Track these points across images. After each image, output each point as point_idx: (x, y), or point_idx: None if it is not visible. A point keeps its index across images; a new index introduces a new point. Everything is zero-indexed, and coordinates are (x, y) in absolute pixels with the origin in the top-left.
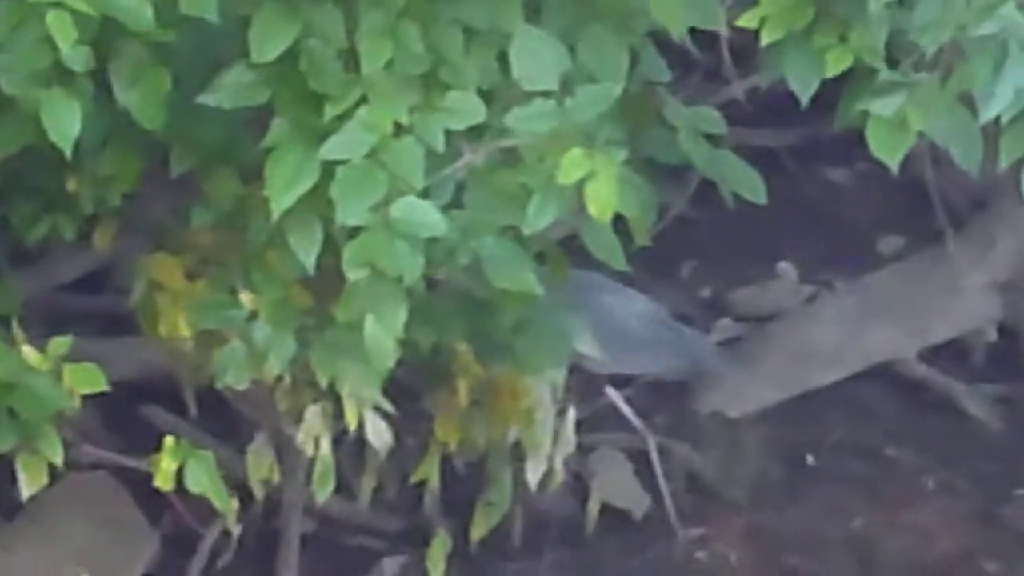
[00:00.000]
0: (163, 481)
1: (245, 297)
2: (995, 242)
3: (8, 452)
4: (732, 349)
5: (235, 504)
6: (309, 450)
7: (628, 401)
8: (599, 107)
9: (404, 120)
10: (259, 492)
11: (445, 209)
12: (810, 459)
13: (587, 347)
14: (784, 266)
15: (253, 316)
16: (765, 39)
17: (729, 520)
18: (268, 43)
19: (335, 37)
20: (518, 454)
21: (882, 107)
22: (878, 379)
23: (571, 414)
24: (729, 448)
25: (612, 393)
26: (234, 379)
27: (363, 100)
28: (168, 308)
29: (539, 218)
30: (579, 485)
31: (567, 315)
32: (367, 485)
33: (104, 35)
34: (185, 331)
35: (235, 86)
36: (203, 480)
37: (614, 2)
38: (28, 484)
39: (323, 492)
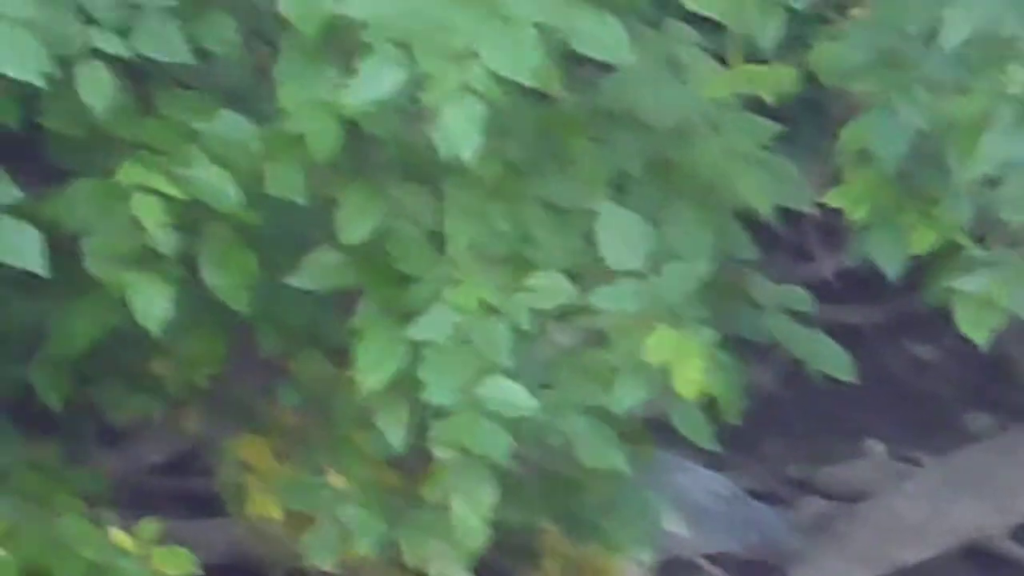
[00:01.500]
0: None
1: (333, 477)
2: None
3: None
4: (820, 527)
5: None
6: None
7: None
8: (686, 286)
9: (491, 300)
10: None
11: (533, 388)
12: None
13: (674, 526)
14: (872, 443)
15: (341, 496)
16: (851, 217)
17: None
18: (355, 225)
19: (421, 217)
20: None
21: (969, 284)
22: (967, 557)
23: None
24: None
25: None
26: (323, 560)
27: (450, 280)
28: (256, 489)
29: (627, 398)
30: None
31: (655, 494)
32: None
33: (191, 217)
34: (274, 512)
35: (322, 268)
36: None
37: (700, 180)
38: None
39: None
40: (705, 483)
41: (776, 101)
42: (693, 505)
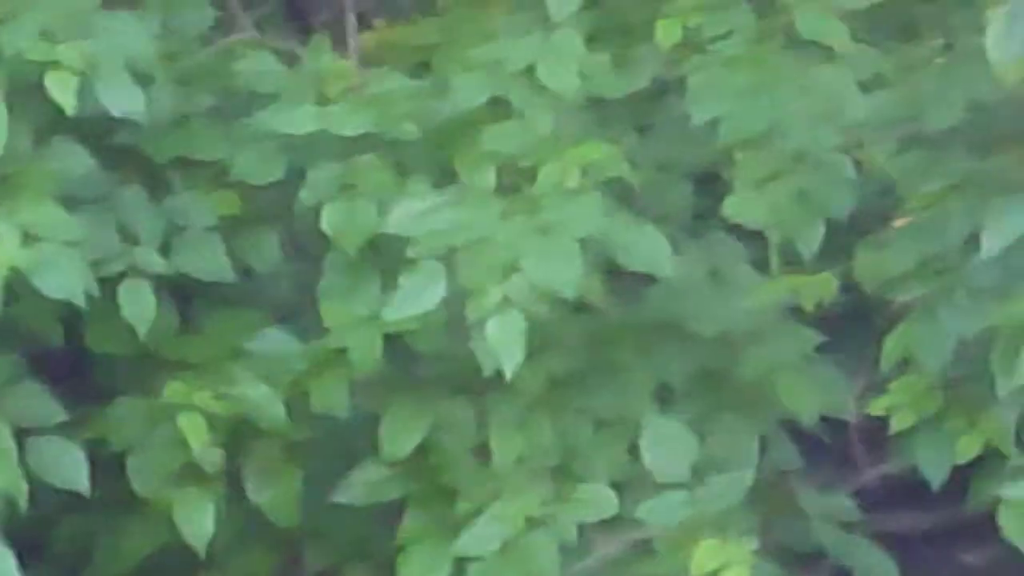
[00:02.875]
0: None
1: None
2: None
3: None
4: None
5: None
6: None
7: None
8: (731, 497)
9: (537, 513)
10: None
11: None
12: None
13: None
14: None
15: None
16: (896, 425)
17: None
18: (399, 439)
19: (466, 431)
20: None
21: (1014, 492)
22: None
23: None
24: None
25: None
26: None
27: (495, 494)
28: None
29: None
30: None
31: None
32: None
33: (236, 434)
34: None
35: (368, 483)
36: None
37: (744, 389)
38: None
39: None
40: None
41: (818, 310)
42: None
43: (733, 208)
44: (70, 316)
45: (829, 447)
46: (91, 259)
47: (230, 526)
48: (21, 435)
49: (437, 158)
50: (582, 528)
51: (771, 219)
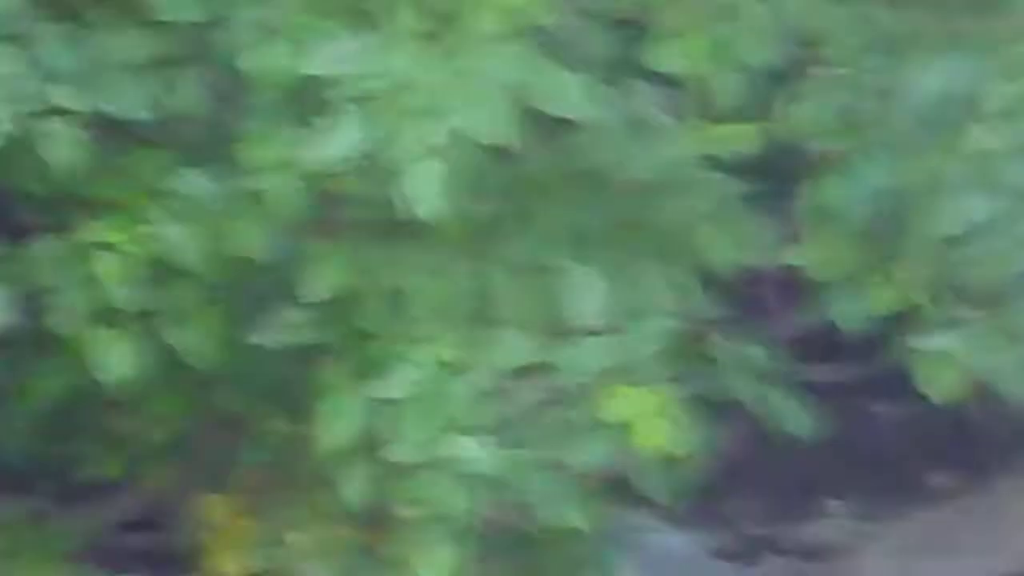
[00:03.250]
0: None
1: (293, 535)
2: None
3: None
4: None
5: None
6: None
7: None
8: (649, 345)
9: (453, 359)
10: None
11: (494, 447)
12: None
13: None
14: (833, 503)
15: (301, 554)
16: (814, 276)
17: None
18: (317, 283)
19: (384, 276)
20: None
21: (929, 344)
22: None
23: None
24: None
25: None
26: None
27: (412, 339)
28: (218, 547)
29: (588, 456)
30: None
31: (616, 553)
32: None
33: (154, 275)
34: (234, 569)
35: (285, 326)
36: None
37: (662, 239)
38: None
39: None
40: (670, 542)
41: (737, 160)
42: (653, 564)
43: (654, 57)
44: None
45: (746, 298)
46: (9, 97)
47: (148, 368)
48: None
49: (357, 1)
50: (498, 374)
51: (691, 69)
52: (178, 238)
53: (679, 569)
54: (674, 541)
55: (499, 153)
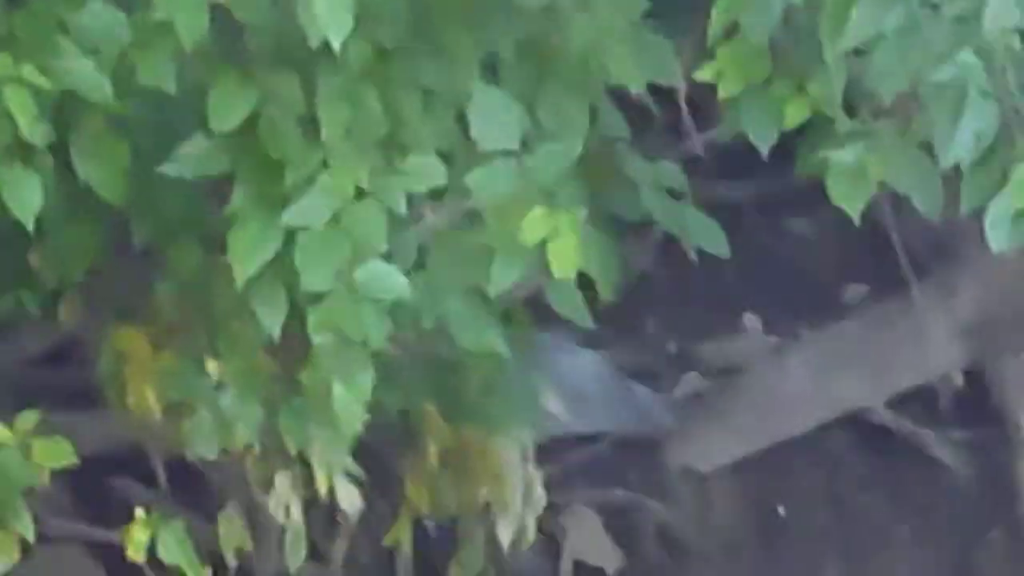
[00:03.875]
0: (136, 552)
1: (211, 366)
2: (958, 288)
3: None
4: (699, 403)
5: (208, 573)
6: (280, 517)
7: (599, 457)
8: (559, 165)
9: (365, 184)
10: (232, 560)
11: (409, 272)
12: (781, 510)
13: (554, 406)
14: (749, 318)
15: (220, 385)
16: (722, 92)
17: (702, 574)
18: (226, 112)
19: (293, 103)
20: (489, 514)
21: (842, 156)
22: (846, 428)
23: (540, 473)
24: (700, 502)
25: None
26: (203, 449)
27: (323, 165)
28: (135, 379)
29: (503, 278)
30: (551, 543)
31: (534, 374)
32: (340, 550)
33: (63, 108)
34: (153, 402)
35: (195, 156)
36: (176, 550)
37: (571, 59)
38: None
39: (296, 559)
40: (582, 363)
41: None
42: (570, 385)
43: None
44: None
45: (657, 116)
46: None
47: (58, 202)
48: None
49: None
50: (411, 198)
51: None
52: (87, 71)
53: (596, 390)
54: (590, 362)
55: None
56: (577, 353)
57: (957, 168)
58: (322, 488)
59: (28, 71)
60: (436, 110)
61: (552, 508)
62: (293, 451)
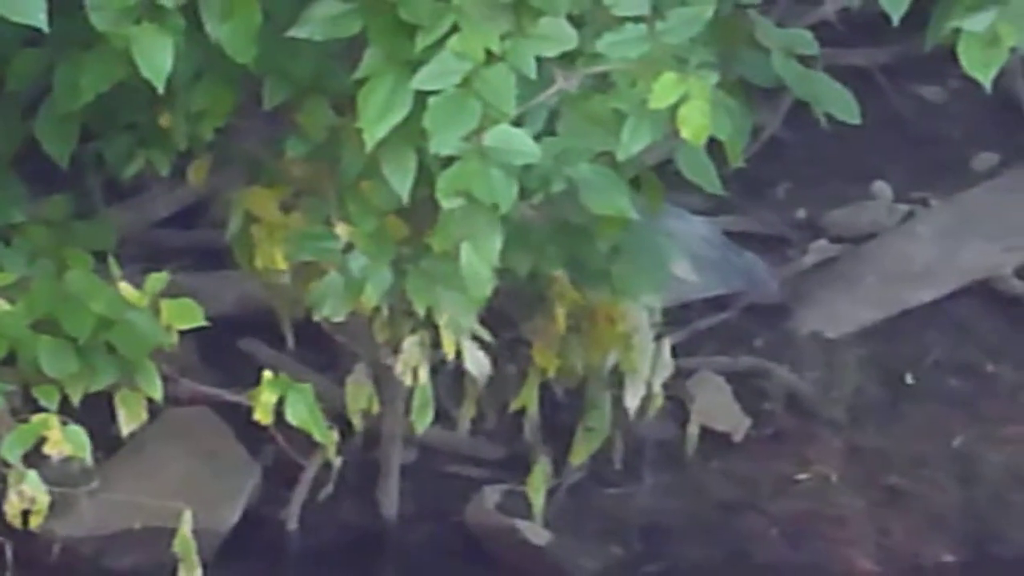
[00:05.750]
0: (263, 415)
1: (340, 228)
2: None
3: (108, 389)
4: (828, 270)
5: (335, 436)
6: (408, 380)
7: (727, 323)
8: (690, 30)
9: (495, 48)
10: (358, 423)
11: (538, 136)
12: (909, 378)
13: (682, 271)
14: (879, 185)
15: (349, 247)
16: None
17: (829, 441)
18: None
19: None
20: (617, 380)
21: (974, 24)
22: (975, 296)
23: (668, 338)
24: (828, 369)
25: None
26: (331, 311)
27: (454, 29)
28: (264, 241)
29: (633, 143)
30: (678, 409)
31: (662, 239)
32: (466, 414)
33: None
34: (281, 264)
35: (326, 18)
36: (303, 413)
37: None
38: (128, 420)
39: (422, 422)
40: (695, 229)
41: None
42: (687, 251)
43: None
44: None
45: None
46: None
47: (188, 63)
48: None
49: None
50: (541, 62)
51: None
52: None
53: (711, 255)
54: (703, 228)
55: None
56: (685, 218)
57: None
58: (449, 351)
59: None
60: None
61: (679, 373)
62: (421, 314)
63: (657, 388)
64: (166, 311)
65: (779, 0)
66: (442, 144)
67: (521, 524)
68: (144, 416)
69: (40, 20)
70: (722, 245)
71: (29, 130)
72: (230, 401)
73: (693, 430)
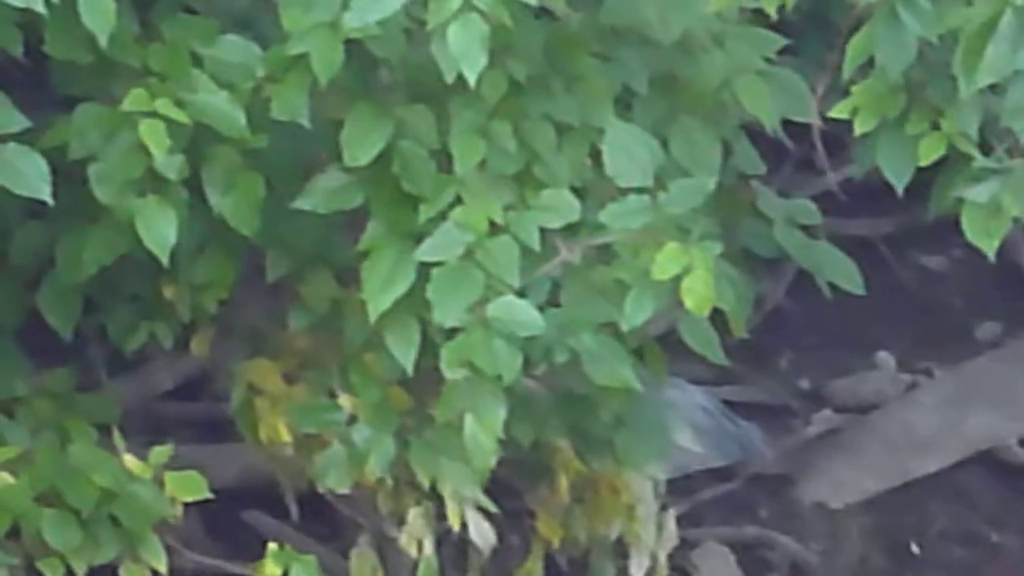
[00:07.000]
0: None
1: (344, 400)
2: None
3: (112, 561)
4: (832, 440)
5: None
6: (413, 552)
7: (731, 494)
8: (693, 201)
9: (499, 219)
10: None
11: (542, 307)
12: (914, 548)
13: (687, 441)
14: (882, 355)
15: (352, 419)
16: (858, 129)
17: None
18: (361, 146)
19: (427, 138)
20: (621, 550)
21: (977, 194)
22: (980, 466)
23: (672, 509)
24: (832, 539)
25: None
26: (335, 482)
27: (457, 200)
28: (267, 413)
29: (636, 314)
30: None
31: (665, 409)
32: None
33: (197, 142)
34: (285, 435)
35: (329, 190)
36: None
37: (705, 94)
38: None
39: None
40: (693, 398)
41: (780, 13)
42: (686, 420)
43: None
44: (30, 23)
45: (791, 152)
46: None
47: (192, 234)
48: None
49: None
50: (544, 233)
51: None
52: (221, 104)
53: (709, 424)
54: (700, 397)
55: (539, 11)
56: (684, 387)
57: None
58: (454, 523)
59: (163, 104)
60: (570, 145)
61: (684, 544)
62: (425, 485)
63: (662, 559)
64: (170, 483)
65: (781, 170)
66: (446, 315)
67: None
68: None
69: (45, 193)
70: (719, 414)
71: (32, 302)
72: (235, 574)
73: None
